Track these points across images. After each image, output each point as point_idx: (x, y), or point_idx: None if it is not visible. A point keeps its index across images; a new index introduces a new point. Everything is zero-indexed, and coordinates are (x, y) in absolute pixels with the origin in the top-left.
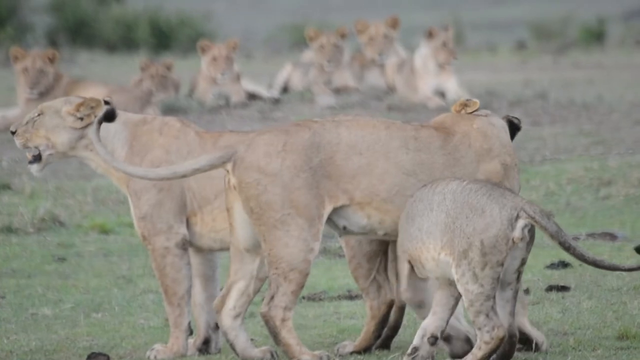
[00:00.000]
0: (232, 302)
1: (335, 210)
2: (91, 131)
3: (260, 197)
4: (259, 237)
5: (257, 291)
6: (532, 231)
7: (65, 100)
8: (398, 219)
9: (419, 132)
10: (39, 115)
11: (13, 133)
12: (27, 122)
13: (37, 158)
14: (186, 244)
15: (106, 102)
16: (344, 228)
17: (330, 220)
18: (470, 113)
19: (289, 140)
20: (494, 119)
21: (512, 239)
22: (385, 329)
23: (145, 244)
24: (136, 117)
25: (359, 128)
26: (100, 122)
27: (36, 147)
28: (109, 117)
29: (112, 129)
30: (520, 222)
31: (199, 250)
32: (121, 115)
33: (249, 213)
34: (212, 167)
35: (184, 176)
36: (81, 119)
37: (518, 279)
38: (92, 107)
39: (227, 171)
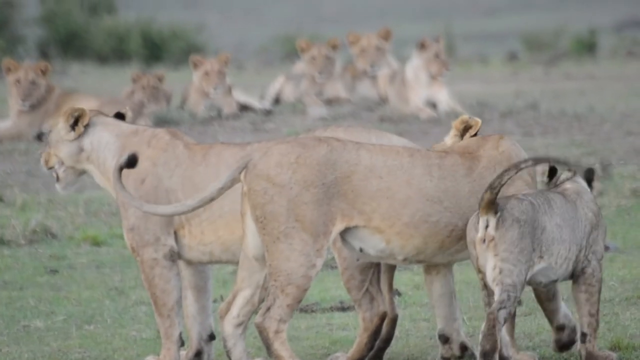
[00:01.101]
0: (236, 310)
1: (351, 232)
2: (113, 177)
3: (265, 206)
4: (264, 247)
5: (261, 301)
6: (501, 230)
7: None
8: (421, 245)
9: (443, 160)
10: (50, 134)
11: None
12: (46, 145)
13: (57, 177)
14: (174, 256)
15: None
16: (361, 250)
17: (346, 241)
18: (475, 134)
19: (304, 154)
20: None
21: (476, 241)
22: (378, 341)
23: (134, 255)
24: (129, 128)
25: (381, 152)
26: (121, 169)
27: (52, 167)
28: (131, 163)
29: (105, 140)
30: (481, 222)
31: (189, 263)
32: (114, 127)
33: (255, 221)
34: (233, 181)
35: (212, 199)
36: (73, 130)
37: (502, 272)
38: (76, 116)
39: (241, 178)
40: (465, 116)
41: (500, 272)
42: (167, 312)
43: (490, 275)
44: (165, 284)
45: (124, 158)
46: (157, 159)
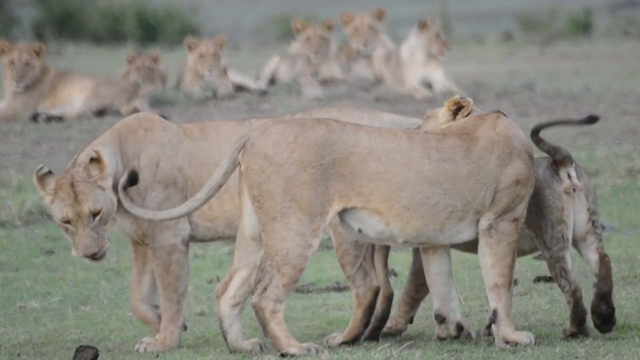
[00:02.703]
0: (233, 290)
1: (350, 212)
2: (121, 198)
3: (262, 185)
4: (260, 227)
5: (258, 281)
6: (580, 175)
7: None
8: (421, 227)
9: (441, 143)
10: (96, 222)
11: None
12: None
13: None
14: (189, 240)
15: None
16: (360, 231)
17: (344, 221)
18: (467, 114)
19: (302, 134)
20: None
21: (564, 191)
22: (373, 320)
23: (147, 243)
24: (105, 134)
25: (379, 135)
26: (125, 188)
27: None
28: (132, 180)
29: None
30: (562, 173)
31: (193, 240)
32: (99, 147)
33: (252, 200)
34: (235, 162)
35: (220, 186)
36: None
37: (594, 224)
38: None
39: (239, 157)
40: (457, 96)
41: (593, 224)
42: (177, 298)
43: (584, 228)
44: (180, 270)
45: (124, 178)
46: (162, 140)
